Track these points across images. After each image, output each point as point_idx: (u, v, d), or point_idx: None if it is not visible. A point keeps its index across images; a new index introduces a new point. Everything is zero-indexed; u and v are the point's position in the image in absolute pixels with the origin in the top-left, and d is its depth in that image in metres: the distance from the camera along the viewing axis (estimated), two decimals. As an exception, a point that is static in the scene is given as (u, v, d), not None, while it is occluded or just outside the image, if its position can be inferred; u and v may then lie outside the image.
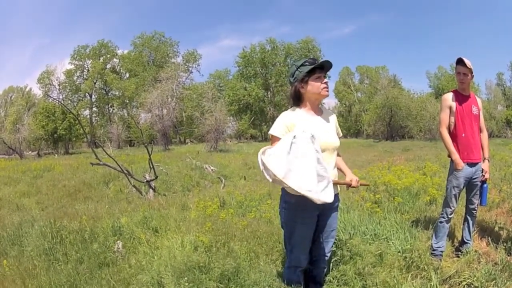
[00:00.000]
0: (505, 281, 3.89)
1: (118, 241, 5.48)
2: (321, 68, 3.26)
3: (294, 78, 3.27)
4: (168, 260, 4.43)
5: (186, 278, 3.87)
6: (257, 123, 68.33)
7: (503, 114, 58.92)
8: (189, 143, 55.22)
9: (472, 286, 3.90)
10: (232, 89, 66.31)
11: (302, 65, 3.23)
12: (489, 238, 5.25)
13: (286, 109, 3.39)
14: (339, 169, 3.48)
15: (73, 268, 4.80)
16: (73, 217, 7.02)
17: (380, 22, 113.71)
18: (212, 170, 16.12)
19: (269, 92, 68.89)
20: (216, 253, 4.56)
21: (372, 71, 74.01)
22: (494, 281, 3.86)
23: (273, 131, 3.23)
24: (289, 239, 3.39)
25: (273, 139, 3.21)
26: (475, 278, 3.93)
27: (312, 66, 3.18)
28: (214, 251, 4.68)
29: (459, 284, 3.99)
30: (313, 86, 3.23)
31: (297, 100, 3.32)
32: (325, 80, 3.28)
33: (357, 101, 72.90)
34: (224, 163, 18.81)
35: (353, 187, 3.33)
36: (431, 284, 3.84)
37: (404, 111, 51.87)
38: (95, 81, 67.84)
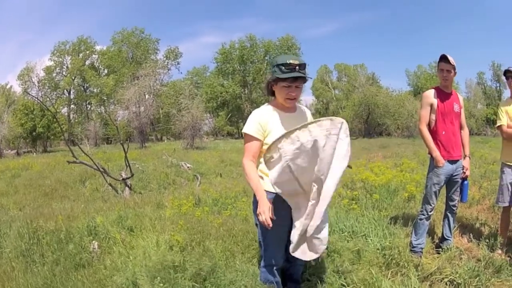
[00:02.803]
0: (489, 277, 3.88)
1: (93, 241, 5.37)
2: (295, 80, 3.06)
3: (272, 72, 3.13)
4: (143, 260, 4.33)
5: (159, 278, 3.77)
6: (233, 120, 68.16)
7: (482, 113, 60.25)
8: (165, 141, 54.98)
9: (455, 282, 3.86)
10: (210, 86, 66.03)
11: (278, 66, 3.04)
12: (470, 234, 5.27)
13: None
14: None
15: (49, 270, 4.71)
16: (49, 217, 6.86)
17: (360, 20, 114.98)
18: (188, 167, 16.07)
19: (246, 89, 68.75)
20: (191, 252, 4.47)
21: (351, 69, 74.43)
22: (477, 278, 3.82)
23: (247, 129, 3.11)
24: (264, 238, 3.29)
25: (247, 138, 3.12)
26: (458, 275, 3.90)
27: (285, 76, 3.00)
28: (189, 250, 4.58)
29: (440, 281, 3.95)
30: (280, 92, 3.11)
31: (271, 93, 3.23)
32: (293, 94, 3.10)
33: (334, 98, 73.27)
34: (201, 161, 18.79)
35: None
36: (411, 281, 3.79)
37: (382, 108, 52.39)
38: (73, 77, 66.91)
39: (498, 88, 68.83)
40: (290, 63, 2.99)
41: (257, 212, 2.94)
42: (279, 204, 3.08)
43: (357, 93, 57.20)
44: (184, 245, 4.67)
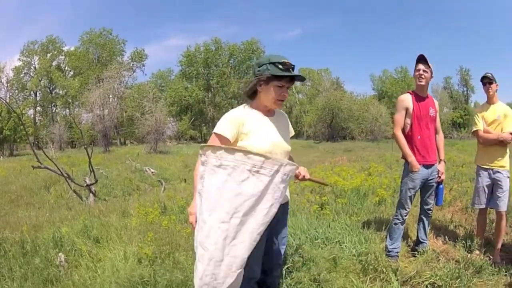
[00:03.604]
0: (471, 277, 3.87)
1: (60, 254, 5.10)
2: (290, 80, 2.91)
3: (259, 71, 2.88)
4: (112, 275, 4.13)
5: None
6: (196, 124, 67.88)
7: (449, 116, 61.96)
8: (129, 144, 54.35)
9: (436, 285, 3.84)
10: (174, 90, 65.50)
11: (274, 64, 2.83)
12: (445, 236, 5.27)
13: (226, 111, 3.01)
14: None
15: (18, 286, 4.47)
16: (15, 226, 6.66)
17: (325, 25, 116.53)
18: (152, 172, 15.91)
19: (210, 93, 68.52)
20: (161, 265, 4.27)
21: (315, 73, 75.05)
22: (459, 279, 3.80)
23: (218, 129, 2.83)
24: None
25: (215, 137, 2.83)
26: (438, 277, 3.88)
27: (283, 74, 2.81)
28: (159, 263, 4.38)
29: (420, 284, 3.92)
30: (270, 92, 2.86)
31: (251, 95, 2.98)
32: (286, 94, 2.92)
33: (298, 102, 73.74)
34: (164, 166, 18.67)
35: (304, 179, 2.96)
36: (391, 286, 3.76)
37: (346, 112, 53.23)
38: (40, 79, 65.18)
39: (465, 92, 71.12)
40: (286, 62, 2.82)
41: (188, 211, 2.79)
42: None
43: (321, 97, 57.84)
44: (153, 258, 4.49)
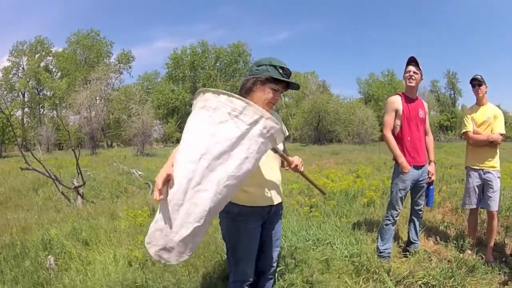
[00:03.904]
0: (464, 277, 3.90)
1: (49, 256, 5.06)
2: (286, 86, 2.93)
3: (257, 70, 2.89)
4: (103, 278, 4.08)
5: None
6: (183, 126, 67.30)
7: (436, 119, 62.55)
8: (116, 147, 53.93)
9: (429, 284, 3.85)
10: (161, 92, 65.23)
11: (275, 67, 2.86)
12: (436, 237, 5.30)
13: None
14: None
15: None
16: (4, 229, 6.62)
17: (312, 29, 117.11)
18: (139, 175, 15.80)
19: (196, 96, 68.40)
20: (152, 269, 4.24)
21: (301, 76, 75.14)
22: (452, 278, 3.83)
23: None
24: (233, 252, 3.06)
25: None
26: (431, 277, 3.90)
27: (282, 79, 2.84)
28: (150, 266, 4.34)
29: (414, 284, 3.93)
30: (264, 94, 2.86)
31: (244, 93, 2.93)
32: (278, 98, 2.93)
33: (284, 105, 73.78)
34: (151, 168, 18.52)
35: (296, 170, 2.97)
36: (385, 287, 3.77)
37: (332, 116, 53.37)
38: (28, 79, 64.50)
39: (453, 95, 71.81)
40: (285, 68, 2.86)
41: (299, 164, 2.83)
42: (249, 217, 2.91)
43: (307, 100, 57.88)
44: (143, 261, 4.45)
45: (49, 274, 4.68)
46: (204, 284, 3.84)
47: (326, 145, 47.51)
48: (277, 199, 3.05)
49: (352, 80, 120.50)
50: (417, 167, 4.56)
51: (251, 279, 3.14)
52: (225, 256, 3.41)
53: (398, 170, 4.56)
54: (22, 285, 4.50)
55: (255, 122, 2.28)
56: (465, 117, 5.04)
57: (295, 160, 2.90)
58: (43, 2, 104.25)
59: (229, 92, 2.30)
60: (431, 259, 4.58)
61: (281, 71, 2.83)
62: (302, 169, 2.94)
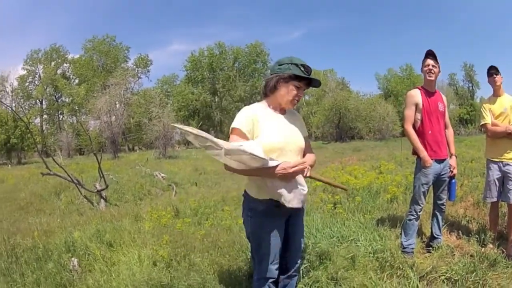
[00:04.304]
0: (486, 271, 3.86)
1: (73, 258, 5.11)
2: (307, 83, 3.02)
3: (279, 69, 2.98)
4: (128, 279, 4.12)
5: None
6: (204, 128, 67.66)
7: (455, 113, 61.48)
8: (137, 150, 54.42)
9: (452, 279, 3.84)
10: (181, 94, 65.52)
11: (297, 65, 2.93)
12: (459, 231, 5.24)
13: (233, 114, 3.07)
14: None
15: None
16: (26, 232, 6.64)
17: (328, 26, 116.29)
18: (162, 177, 15.91)
19: (216, 97, 68.55)
20: (177, 268, 4.27)
21: (320, 74, 74.74)
22: (474, 273, 3.80)
23: (236, 124, 2.90)
24: (258, 249, 3.11)
25: (234, 132, 2.90)
26: (454, 272, 3.89)
27: (304, 76, 2.92)
28: (175, 265, 4.39)
29: (437, 279, 3.91)
30: (288, 91, 2.95)
31: (268, 91, 3.04)
32: (301, 96, 3.04)
33: (305, 104, 73.58)
34: (174, 170, 18.70)
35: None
36: (409, 282, 3.75)
37: (353, 112, 53.11)
38: (46, 87, 65.61)
39: (471, 88, 70.60)
40: (306, 66, 2.95)
41: (280, 169, 2.76)
42: (273, 214, 2.94)
43: (327, 98, 57.70)
44: (168, 261, 4.49)
45: (72, 275, 4.73)
46: (229, 282, 3.87)
47: (348, 142, 47.26)
48: None
49: (371, 76, 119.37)
50: (439, 161, 4.51)
51: (275, 277, 3.17)
52: (250, 254, 3.43)
53: (420, 165, 4.53)
54: (44, 286, 4.56)
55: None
56: (483, 108, 4.96)
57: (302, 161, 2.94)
58: (54, 11, 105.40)
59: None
60: (454, 254, 4.56)
61: (302, 68, 2.92)
62: (307, 174, 2.91)
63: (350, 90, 65.38)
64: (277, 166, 2.72)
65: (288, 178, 2.78)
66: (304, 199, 2.88)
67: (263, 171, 2.75)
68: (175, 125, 2.67)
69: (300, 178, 2.85)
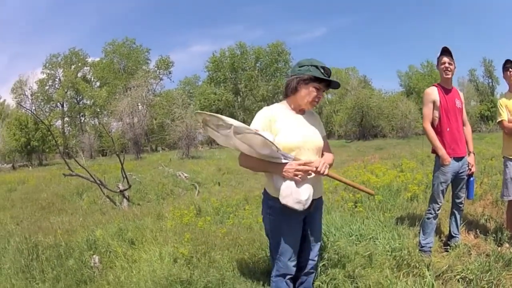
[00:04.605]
0: (500, 271, 3.83)
1: (94, 256, 5.23)
2: (327, 85, 3.10)
3: (300, 70, 3.06)
4: (148, 275, 4.22)
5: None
6: (227, 128, 67.77)
7: (476, 109, 60.17)
8: (160, 151, 54.74)
9: (467, 279, 3.83)
10: (203, 94, 65.75)
11: (316, 67, 3.02)
12: (476, 230, 5.21)
13: (256, 113, 3.15)
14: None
15: (50, 287, 4.61)
16: (47, 231, 6.75)
17: (350, 24, 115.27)
18: (185, 177, 15.99)
19: (239, 97, 68.65)
20: (197, 265, 4.36)
21: (342, 72, 74.33)
22: (489, 273, 3.78)
23: (254, 125, 3.00)
24: (276, 246, 3.19)
25: None
26: (469, 271, 3.87)
27: (323, 78, 3.01)
28: (195, 262, 4.47)
29: (453, 279, 3.91)
30: (308, 92, 3.03)
31: (289, 92, 3.12)
32: (321, 97, 3.12)
33: (327, 102, 73.22)
34: (197, 170, 18.72)
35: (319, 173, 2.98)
36: (425, 281, 3.73)
37: (375, 110, 52.62)
38: (66, 90, 66.59)
39: (491, 84, 69.08)
40: (326, 68, 3.03)
41: (286, 170, 2.83)
42: (290, 212, 2.98)
43: (349, 96, 57.36)
44: (189, 257, 4.57)
45: (93, 272, 4.84)
46: (248, 279, 3.93)
47: (371, 140, 46.88)
48: (318, 194, 3.15)
49: (393, 73, 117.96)
50: (458, 159, 4.50)
51: (293, 273, 3.25)
52: (269, 251, 3.51)
53: (439, 163, 4.52)
54: (64, 283, 4.66)
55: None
56: (499, 105, 4.86)
57: (315, 162, 2.94)
58: (72, 15, 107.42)
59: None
60: (471, 253, 4.54)
61: (322, 70, 3.00)
62: (325, 172, 2.95)
63: (372, 88, 64.89)
64: (285, 164, 2.82)
65: (293, 177, 2.84)
66: (303, 203, 2.89)
67: (272, 167, 2.88)
68: (198, 111, 2.82)
69: (303, 184, 2.90)
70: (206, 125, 2.83)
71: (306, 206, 2.90)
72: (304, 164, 2.86)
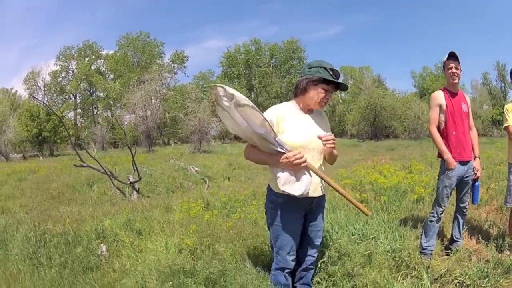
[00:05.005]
0: (498, 278, 3.84)
1: (101, 244, 5.32)
2: (335, 87, 3.19)
3: (309, 71, 3.15)
4: (153, 264, 4.29)
5: (170, 282, 3.74)
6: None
7: (488, 113, 59.61)
8: (172, 144, 54.88)
9: (464, 284, 3.85)
10: (217, 90, 65.68)
11: (326, 69, 3.10)
12: (479, 235, 5.19)
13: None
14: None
15: (57, 273, 4.65)
16: (57, 220, 6.82)
17: (365, 23, 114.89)
18: (196, 171, 16.06)
19: (252, 93, 68.63)
20: (201, 256, 4.44)
21: (356, 71, 74.15)
22: (486, 279, 3.80)
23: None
24: (276, 240, 3.29)
25: None
26: (467, 276, 3.89)
27: (332, 80, 3.09)
28: (199, 253, 4.54)
29: (450, 283, 3.94)
30: (316, 93, 3.12)
31: (298, 92, 3.21)
32: (329, 98, 3.20)
33: (341, 101, 72.97)
34: (208, 164, 18.74)
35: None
36: (422, 283, 3.78)
37: (388, 111, 52.32)
38: (79, 82, 67.19)
39: (503, 88, 68.33)
40: (335, 70, 3.11)
41: (285, 157, 2.90)
42: (292, 207, 3.12)
43: (363, 96, 57.11)
44: (193, 249, 4.64)
45: (100, 260, 4.92)
46: (248, 271, 3.99)
47: (383, 140, 46.68)
48: (320, 192, 3.22)
49: (407, 73, 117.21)
50: (463, 163, 4.52)
51: (291, 267, 3.34)
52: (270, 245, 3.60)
53: (444, 167, 4.54)
54: (71, 269, 4.73)
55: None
56: (506, 110, 4.85)
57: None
58: (86, 8, 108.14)
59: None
60: (471, 258, 4.56)
61: (331, 72, 3.08)
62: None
63: (386, 87, 64.48)
64: (282, 154, 2.89)
65: (290, 167, 2.92)
66: (302, 190, 2.95)
67: (271, 159, 2.96)
68: (216, 84, 2.85)
69: (302, 172, 2.98)
70: (218, 104, 2.87)
71: (305, 192, 2.97)
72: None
